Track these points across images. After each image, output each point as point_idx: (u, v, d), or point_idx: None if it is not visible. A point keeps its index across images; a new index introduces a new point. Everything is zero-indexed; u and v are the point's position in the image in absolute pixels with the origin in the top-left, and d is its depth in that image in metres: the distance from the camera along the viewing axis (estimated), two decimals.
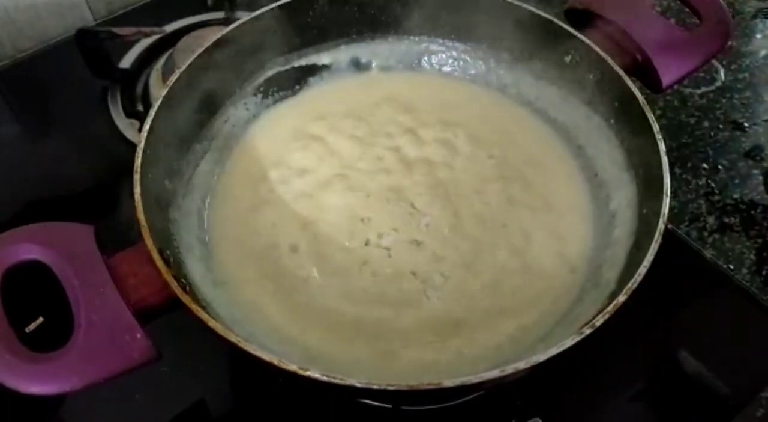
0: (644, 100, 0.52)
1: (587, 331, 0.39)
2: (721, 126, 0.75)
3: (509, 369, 0.38)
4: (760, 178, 0.70)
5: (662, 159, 0.48)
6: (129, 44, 0.79)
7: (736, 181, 0.70)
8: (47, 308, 0.54)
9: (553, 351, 0.38)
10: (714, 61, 0.80)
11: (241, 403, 0.54)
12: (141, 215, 0.45)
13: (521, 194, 0.57)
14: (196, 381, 0.55)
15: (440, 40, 0.66)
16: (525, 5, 0.60)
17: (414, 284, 0.52)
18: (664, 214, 0.45)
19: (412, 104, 0.64)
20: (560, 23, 0.58)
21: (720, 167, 0.71)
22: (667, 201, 0.46)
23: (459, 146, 0.61)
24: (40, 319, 0.54)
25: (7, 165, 0.70)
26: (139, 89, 0.76)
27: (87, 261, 0.43)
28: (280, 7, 0.60)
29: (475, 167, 0.59)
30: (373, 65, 0.67)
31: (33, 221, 0.45)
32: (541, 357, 0.38)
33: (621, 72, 0.54)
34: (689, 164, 0.71)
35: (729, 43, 0.61)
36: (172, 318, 0.44)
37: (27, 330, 0.54)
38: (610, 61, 0.54)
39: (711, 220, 0.66)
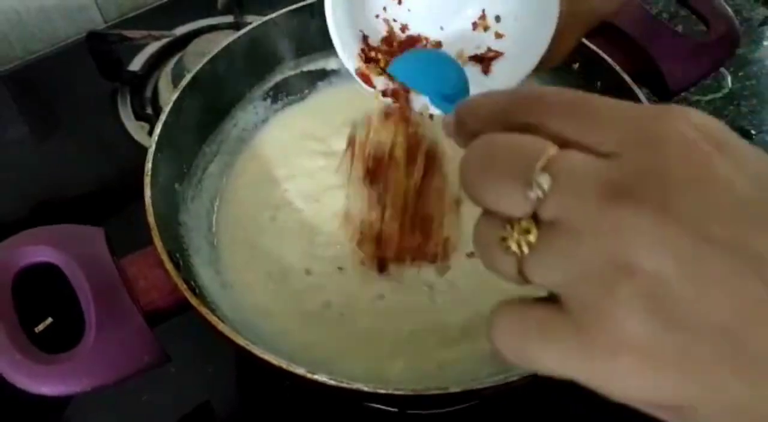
0: None
1: None
2: None
3: (514, 376, 0.38)
4: None
5: None
6: (139, 47, 0.79)
7: None
8: (58, 310, 0.55)
9: None
10: (721, 68, 0.80)
11: (248, 405, 0.55)
12: (151, 218, 0.45)
13: None
14: (203, 383, 0.55)
15: None
16: None
17: (421, 289, 0.52)
18: None
19: None
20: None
21: None
22: None
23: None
24: (49, 320, 0.55)
25: (17, 167, 0.71)
26: (148, 92, 0.76)
27: (97, 264, 0.43)
28: (290, 11, 0.61)
29: None
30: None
31: (43, 223, 0.46)
32: None
33: (628, 79, 0.54)
34: None
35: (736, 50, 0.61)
36: (179, 319, 0.45)
37: (36, 330, 0.54)
38: (618, 68, 0.54)
39: None
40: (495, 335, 0.23)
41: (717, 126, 0.21)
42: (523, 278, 0.22)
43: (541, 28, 0.43)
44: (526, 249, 0.21)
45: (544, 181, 0.21)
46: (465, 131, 0.25)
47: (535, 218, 0.21)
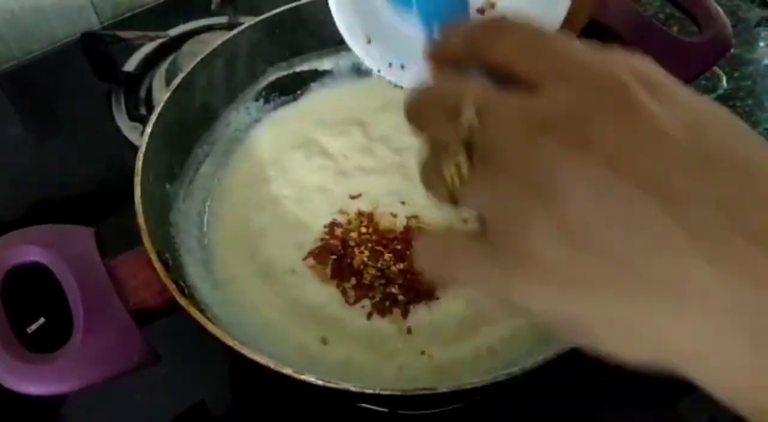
0: None
1: None
2: None
3: (502, 376, 0.38)
4: None
5: None
6: (133, 48, 0.79)
7: None
8: (49, 310, 0.55)
9: (548, 356, 0.39)
10: (716, 69, 0.80)
11: (242, 405, 0.55)
12: (140, 219, 0.45)
13: None
14: (195, 383, 0.55)
15: None
16: None
17: None
18: None
19: None
20: (561, 32, 0.58)
21: None
22: None
23: None
24: (42, 320, 0.55)
25: (11, 166, 0.71)
26: (142, 93, 0.76)
27: (87, 264, 0.43)
28: (283, 12, 0.61)
29: None
30: (375, 71, 0.67)
31: (35, 223, 0.46)
32: (535, 363, 0.38)
33: None
34: None
35: (730, 51, 0.61)
36: (174, 319, 0.45)
37: (28, 330, 0.54)
38: None
39: None
40: (419, 254, 0.25)
41: (656, 71, 0.23)
42: (453, 200, 0.24)
43: (554, 6, 0.42)
44: (457, 180, 0.23)
45: (472, 114, 0.22)
46: (442, 58, 0.27)
47: (469, 151, 0.23)
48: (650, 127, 0.21)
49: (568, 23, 0.44)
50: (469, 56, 0.25)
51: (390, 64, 0.45)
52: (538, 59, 0.23)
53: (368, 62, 0.45)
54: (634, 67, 0.22)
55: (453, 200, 0.24)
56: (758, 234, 0.19)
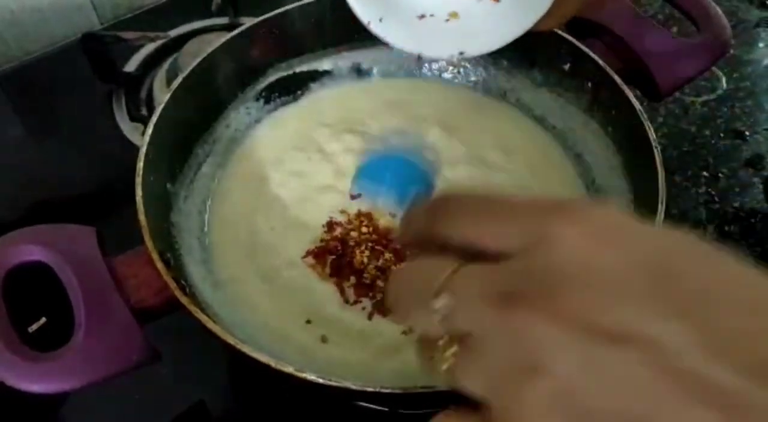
0: (641, 109, 0.52)
1: None
2: (722, 134, 0.75)
3: None
4: (760, 187, 0.70)
5: (658, 168, 0.48)
6: (134, 48, 0.79)
7: (737, 189, 0.70)
8: (51, 309, 0.55)
9: None
10: (715, 70, 0.80)
11: (241, 405, 0.55)
12: (142, 218, 0.45)
13: None
14: (195, 383, 0.55)
15: None
16: None
17: None
18: (659, 223, 0.45)
19: (412, 111, 0.64)
20: (560, 32, 0.59)
21: (720, 175, 0.71)
22: (662, 210, 0.46)
23: (458, 152, 0.61)
24: (43, 319, 0.55)
25: (12, 167, 0.71)
26: (143, 93, 0.77)
27: (88, 262, 0.43)
28: (283, 13, 0.61)
29: (473, 174, 0.59)
30: (374, 72, 0.68)
31: (36, 222, 0.46)
32: None
33: (618, 80, 0.54)
34: (689, 172, 0.71)
35: (729, 51, 0.62)
36: (175, 319, 0.45)
37: (30, 329, 0.55)
38: (608, 69, 0.55)
39: (710, 228, 0.66)
40: None
41: (608, 218, 0.22)
42: (451, 385, 0.23)
43: None
44: (446, 365, 0.23)
45: (442, 303, 0.22)
46: (407, 240, 0.27)
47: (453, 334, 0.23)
48: (610, 281, 0.20)
49: (553, 12, 0.44)
50: (436, 241, 0.25)
51: (381, 20, 0.45)
52: (491, 234, 0.23)
53: (360, 14, 0.45)
54: (584, 217, 0.22)
55: (450, 384, 0.23)
56: (753, 370, 0.19)
